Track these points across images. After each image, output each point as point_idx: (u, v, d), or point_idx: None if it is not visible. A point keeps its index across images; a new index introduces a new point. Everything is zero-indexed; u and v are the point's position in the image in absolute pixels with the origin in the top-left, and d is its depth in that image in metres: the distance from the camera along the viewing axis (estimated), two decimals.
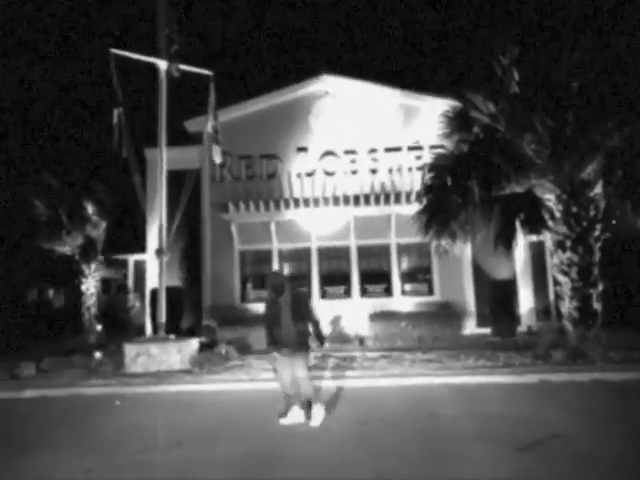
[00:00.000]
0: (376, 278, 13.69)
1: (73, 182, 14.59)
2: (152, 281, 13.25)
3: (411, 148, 13.67)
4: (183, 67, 10.44)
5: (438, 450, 4.65)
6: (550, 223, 8.85)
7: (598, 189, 8.71)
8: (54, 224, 13.98)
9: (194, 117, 13.93)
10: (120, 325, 14.56)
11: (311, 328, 5.73)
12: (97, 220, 14.40)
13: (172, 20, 10.31)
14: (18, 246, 16.27)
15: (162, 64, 10.33)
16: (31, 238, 14.39)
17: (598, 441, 4.71)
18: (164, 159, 10.40)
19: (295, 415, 5.64)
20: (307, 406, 5.70)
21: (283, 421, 5.64)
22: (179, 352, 9.25)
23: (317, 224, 13.70)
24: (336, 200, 13.43)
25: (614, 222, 8.97)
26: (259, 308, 13.03)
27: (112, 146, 9.70)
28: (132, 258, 16.12)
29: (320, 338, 5.78)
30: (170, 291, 10.61)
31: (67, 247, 14.28)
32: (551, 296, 13.14)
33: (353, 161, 13.81)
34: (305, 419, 5.61)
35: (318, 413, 5.61)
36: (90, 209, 14.28)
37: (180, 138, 14.09)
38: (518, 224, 8.60)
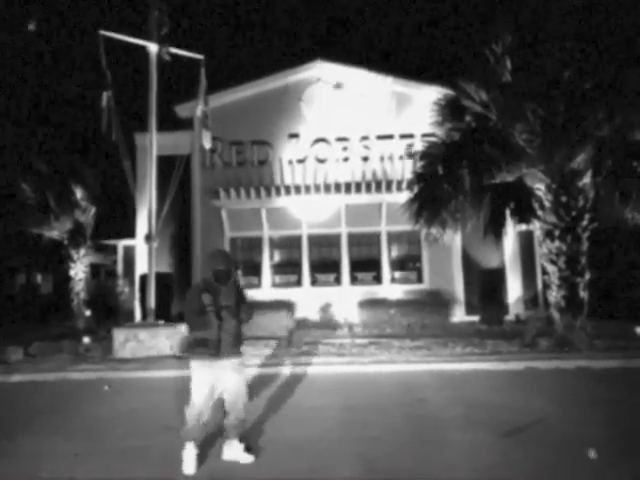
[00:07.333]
0: (366, 266, 13.74)
1: (61, 166, 14.40)
2: (142, 267, 13.19)
3: (403, 136, 13.64)
4: (174, 50, 10.32)
5: (424, 435, 4.70)
6: (540, 212, 8.92)
7: (587, 179, 8.77)
8: (42, 209, 13.82)
9: (185, 102, 13.79)
10: (109, 311, 14.50)
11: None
12: (86, 205, 14.27)
13: (162, 2, 10.17)
14: (6, 231, 16.07)
15: (152, 47, 10.19)
16: (19, 222, 14.21)
17: (580, 426, 4.79)
18: (154, 144, 10.29)
19: (234, 452, 4.14)
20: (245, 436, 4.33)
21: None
22: (168, 338, 9.24)
23: (308, 211, 13.68)
24: (327, 188, 13.39)
25: (603, 212, 9.04)
26: (250, 295, 13.06)
27: (101, 130, 9.59)
28: (121, 243, 16.02)
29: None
30: (160, 277, 10.58)
31: (56, 232, 14.16)
32: (539, 285, 13.28)
33: (345, 148, 13.78)
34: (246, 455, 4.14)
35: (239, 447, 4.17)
36: (79, 194, 14.13)
37: (170, 123, 13.95)
38: (508, 213, 8.67)
